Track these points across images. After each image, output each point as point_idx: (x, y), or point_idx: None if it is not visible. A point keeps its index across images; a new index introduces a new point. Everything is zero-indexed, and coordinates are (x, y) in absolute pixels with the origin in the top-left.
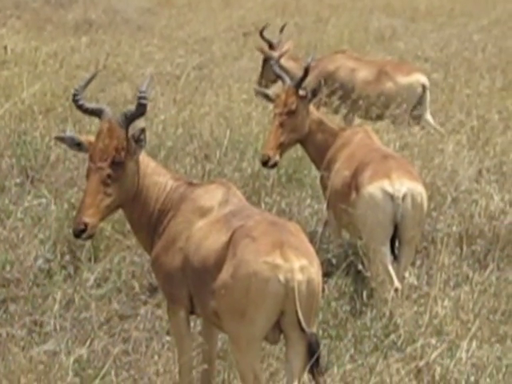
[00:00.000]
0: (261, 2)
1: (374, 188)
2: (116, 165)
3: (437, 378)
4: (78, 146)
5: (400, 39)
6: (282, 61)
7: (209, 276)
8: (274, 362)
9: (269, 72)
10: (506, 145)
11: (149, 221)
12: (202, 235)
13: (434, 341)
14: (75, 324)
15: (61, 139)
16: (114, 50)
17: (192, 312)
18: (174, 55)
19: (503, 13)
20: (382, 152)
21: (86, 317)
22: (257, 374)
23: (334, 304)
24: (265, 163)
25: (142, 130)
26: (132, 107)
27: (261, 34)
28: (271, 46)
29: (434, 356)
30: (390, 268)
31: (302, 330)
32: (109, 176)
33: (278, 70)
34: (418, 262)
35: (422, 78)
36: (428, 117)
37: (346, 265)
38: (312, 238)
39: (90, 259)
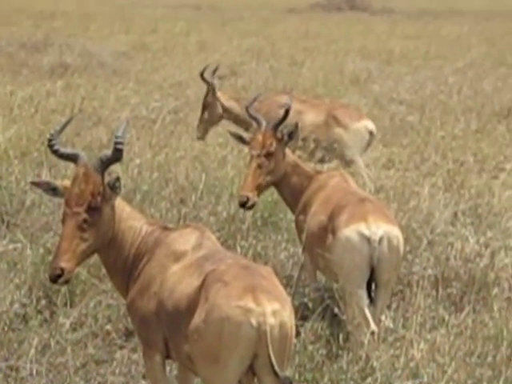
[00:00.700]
0: (236, 46)
1: (350, 231)
2: (92, 210)
3: None
4: (53, 190)
5: (375, 82)
6: (224, 101)
7: (182, 320)
8: None
9: (212, 114)
10: (481, 187)
11: (124, 265)
12: (176, 280)
13: (410, 383)
14: (51, 369)
15: (36, 184)
16: (90, 94)
17: (167, 356)
18: (150, 99)
19: (478, 55)
20: (359, 195)
21: (61, 362)
22: None
23: (310, 347)
24: (243, 204)
25: (117, 179)
26: (108, 152)
27: (201, 75)
28: (209, 87)
29: None
30: (367, 311)
31: (276, 373)
32: (85, 221)
33: (253, 113)
34: (394, 305)
35: (369, 125)
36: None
37: (322, 308)
38: (288, 281)
39: (65, 304)
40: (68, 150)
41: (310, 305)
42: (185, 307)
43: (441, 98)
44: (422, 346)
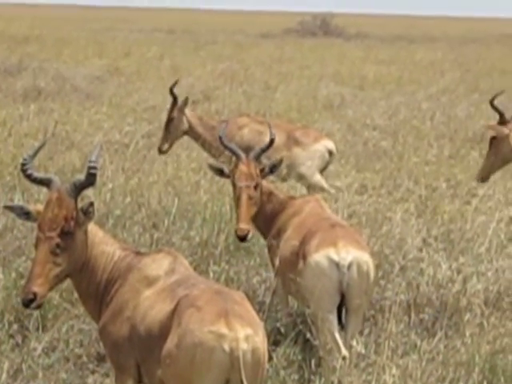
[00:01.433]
0: (209, 71)
1: (320, 256)
2: (65, 234)
3: None
4: (26, 215)
5: (349, 107)
6: (189, 117)
7: (155, 345)
8: None
9: (176, 130)
10: (454, 213)
11: (97, 290)
12: (148, 305)
13: None
14: None
15: (9, 208)
16: (63, 118)
17: (140, 381)
18: (123, 123)
19: (451, 81)
20: (331, 221)
21: None
22: None
23: (282, 373)
24: (244, 238)
25: (91, 204)
26: (81, 177)
27: (170, 90)
28: (176, 102)
29: None
30: (337, 336)
31: None
32: (58, 245)
33: (232, 147)
34: (366, 331)
35: (329, 144)
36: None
37: (294, 333)
38: (261, 306)
39: (37, 328)
40: (41, 174)
41: (283, 330)
42: (157, 332)
43: (414, 123)
44: (394, 371)
